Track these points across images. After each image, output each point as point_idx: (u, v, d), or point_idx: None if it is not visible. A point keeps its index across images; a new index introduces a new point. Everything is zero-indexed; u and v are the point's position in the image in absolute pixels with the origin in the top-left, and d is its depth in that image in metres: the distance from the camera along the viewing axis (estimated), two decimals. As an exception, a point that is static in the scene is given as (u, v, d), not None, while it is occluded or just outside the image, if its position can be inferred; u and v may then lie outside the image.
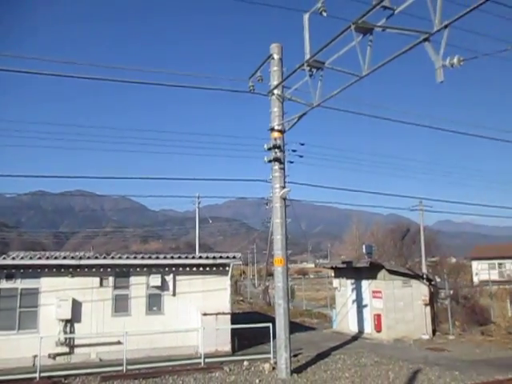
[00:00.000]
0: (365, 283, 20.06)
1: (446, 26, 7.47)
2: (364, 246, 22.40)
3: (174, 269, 16.32)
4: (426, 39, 7.83)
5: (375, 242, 35.89)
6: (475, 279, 44.53)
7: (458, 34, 9.61)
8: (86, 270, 15.25)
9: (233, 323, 16.31)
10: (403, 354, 15.38)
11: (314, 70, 11.23)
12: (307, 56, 10.96)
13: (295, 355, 14.67)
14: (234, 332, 16.15)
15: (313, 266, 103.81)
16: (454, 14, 7.54)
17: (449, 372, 12.43)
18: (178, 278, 16.43)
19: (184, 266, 16.45)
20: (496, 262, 52.56)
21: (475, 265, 52.40)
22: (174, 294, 16.25)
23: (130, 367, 12.99)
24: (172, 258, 16.22)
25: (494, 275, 47.49)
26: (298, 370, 12.82)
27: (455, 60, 7.10)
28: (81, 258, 15.21)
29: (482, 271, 46.68)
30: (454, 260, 51.13)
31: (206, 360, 13.86)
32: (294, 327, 19.95)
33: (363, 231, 46.53)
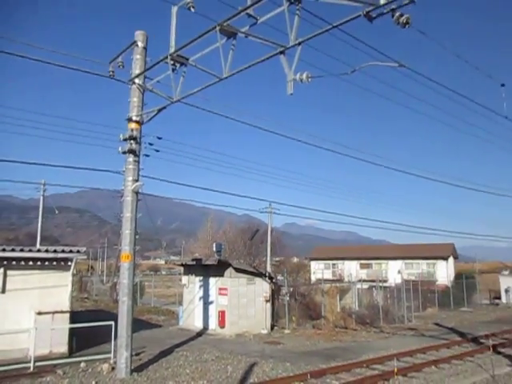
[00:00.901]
0: (212, 280, 20.47)
1: (299, 43, 8.00)
2: (214, 245, 22.85)
3: (5, 262, 14.45)
4: (281, 52, 8.27)
5: (227, 241, 36.95)
6: (313, 278, 48.83)
7: (313, 52, 10.40)
8: None
9: (74, 322, 15.15)
10: (243, 349, 16.06)
11: (178, 65, 11.07)
12: (172, 49, 10.75)
13: (137, 354, 14.23)
14: (73, 332, 14.99)
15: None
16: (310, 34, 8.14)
17: (281, 364, 13.36)
18: (9, 272, 14.60)
19: (18, 259, 14.68)
20: (330, 262, 58.51)
21: (313, 264, 57.55)
22: (3, 291, 14.40)
23: None
24: (4, 250, 14.37)
25: (328, 274, 52.78)
26: (138, 369, 12.43)
27: (304, 76, 7.64)
28: None
29: (318, 270, 51.47)
30: (295, 260, 55.36)
31: (38, 363, 12.59)
32: (140, 325, 19.41)
33: (217, 230, 47.51)
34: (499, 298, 41.06)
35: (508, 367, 13.24)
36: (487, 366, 12.74)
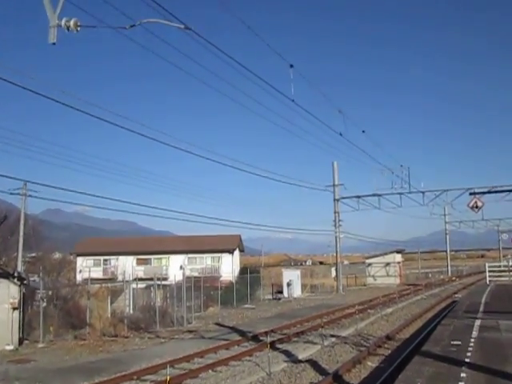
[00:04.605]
0: None
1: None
2: None
3: None
4: (43, -12, 7.61)
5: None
6: (79, 277, 46.95)
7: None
8: None
9: None
10: (-24, 373, 14.45)
11: None
12: None
13: None
14: None
15: None
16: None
17: (29, 386, 12.51)
18: None
19: None
20: (102, 258, 57.04)
21: (80, 261, 55.01)
22: None
23: None
24: None
25: (99, 272, 51.40)
26: None
27: (72, 23, 7.19)
28: None
29: (86, 268, 49.73)
30: (58, 255, 52.33)
31: None
32: None
33: None
34: (282, 292, 46.62)
35: (284, 363, 15.16)
36: (264, 364, 14.30)
